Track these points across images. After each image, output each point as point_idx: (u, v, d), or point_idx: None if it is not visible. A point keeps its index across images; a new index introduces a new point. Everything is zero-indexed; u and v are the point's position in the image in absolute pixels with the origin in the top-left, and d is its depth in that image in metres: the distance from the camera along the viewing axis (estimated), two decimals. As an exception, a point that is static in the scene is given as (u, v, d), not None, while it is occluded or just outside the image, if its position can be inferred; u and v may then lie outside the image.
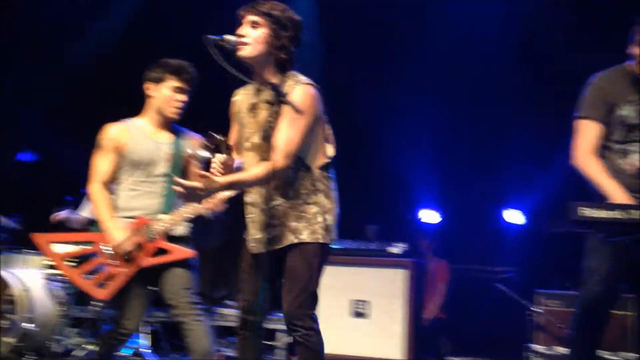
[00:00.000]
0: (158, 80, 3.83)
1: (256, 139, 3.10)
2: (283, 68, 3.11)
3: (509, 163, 7.10)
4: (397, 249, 5.25)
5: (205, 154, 2.98)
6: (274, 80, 3.05)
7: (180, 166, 3.84)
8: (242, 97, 3.24)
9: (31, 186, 7.43)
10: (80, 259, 3.88)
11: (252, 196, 3.14)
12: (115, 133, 3.83)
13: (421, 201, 7.47)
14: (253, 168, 3.05)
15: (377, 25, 7.13)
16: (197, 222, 3.88)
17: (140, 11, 7.31)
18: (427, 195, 7.42)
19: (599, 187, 3.28)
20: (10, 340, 5.13)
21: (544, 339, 5.43)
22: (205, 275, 5.51)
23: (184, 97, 3.84)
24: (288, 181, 3.06)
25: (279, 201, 3.07)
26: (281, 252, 3.08)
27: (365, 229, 6.92)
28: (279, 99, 2.86)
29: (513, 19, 6.77)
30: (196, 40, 2.98)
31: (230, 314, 5.85)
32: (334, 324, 5.10)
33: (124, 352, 4.86)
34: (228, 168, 2.97)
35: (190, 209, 3.77)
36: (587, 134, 3.38)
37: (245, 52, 3.02)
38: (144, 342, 5.17)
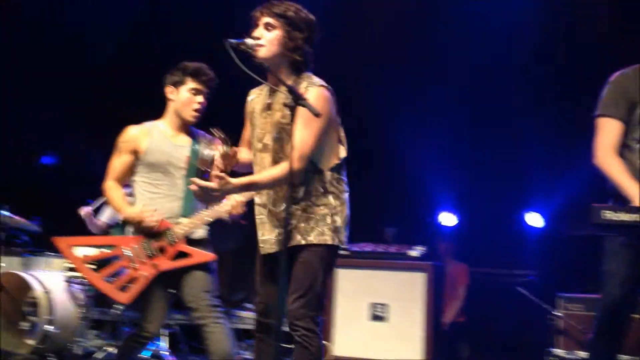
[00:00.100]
0: (177, 84, 3.85)
1: (268, 139, 3.10)
2: (298, 69, 3.11)
3: (530, 165, 7.05)
4: (416, 252, 5.22)
5: (209, 152, 2.99)
6: (288, 81, 3.05)
7: (198, 169, 3.85)
8: (256, 97, 3.24)
9: (53, 189, 7.52)
10: (101, 262, 3.90)
11: (262, 197, 3.14)
12: (134, 134, 3.86)
13: (441, 204, 7.44)
14: (268, 170, 3.05)
15: (398, 26, 7.12)
16: (216, 225, 3.90)
17: (161, 13, 7.35)
18: (447, 198, 7.39)
19: (619, 188, 3.24)
20: (31, 342, 5.18)
21: (566, 343, 5.38)
22: (223, 278, 5.51)
23: (202, 99, 3.85)
24: (297, 183, 3.05)
25: (286, 204, 3.05)
26: (290, 252, 3.06)
27: (384, 231, 6.89)
28: (297, 101, 2.85)
29: (532, 20, 6.72)
30: (214, 42, 3.00)
31: (248, 317, 5.86)
32: (353, 327, 5.09)
33: (143, 354, 4.88)
34: (229, 160, 2.98)
35: (210, 212, 3.78)
36: (608, 132, 3.34)
37: (259, 53, 3.03)
38: (162, 344, 5.19)
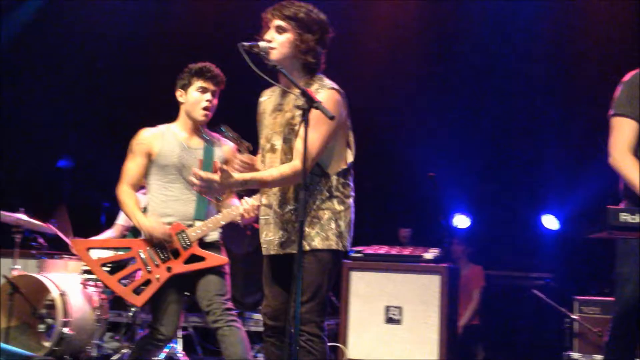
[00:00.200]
0: (185, 86, 3.89)
1: (277, 140, 3.10)
2: (310, 71, 3.11)
3: (545, 168, 7.02)
4: (430, 254, 5.20)
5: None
6: (300, 83, 3.04)
7: (211, 171, 3.86)
8: (268, 98, 3.24)
9: (70, 193, 7.57)
10: (116, 265, 3.92)
11: (269, 198, 3.14)
12: (147, 137, 3.88)
13: (455, 206, 7.41)
14: (272, 169, 3.05)
15: (411, 29, 7.11)
16: (230, 228, 3.91)
17: (172, 18, 7.40)
18: (462, 201, 7.36)
19: (634, 188, 3.21)
20: (47, 344, 5.21)
21: (582, 346, 5.34)
22: (237, 281, 5.53)
23: (210, 97, 3.86)
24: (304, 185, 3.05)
25: (293, 205, 3.05)
26: (294, 257, 3.06)
27: (399, 232, 6.88)
28: (310, 104, 2.84)
29: (549, 22, 6.69)
30: (228, 45, 3.01)
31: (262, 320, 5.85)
32: (367, 330, 5.08)
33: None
34: (249, 167, 3.00)
35: (224, 216, 3.80)
36: (623, 132, 3.31)
37: (271, 56, 3.04)
38: (176, 346, 5.20)
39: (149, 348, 3.86)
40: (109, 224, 5.59)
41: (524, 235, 7.31)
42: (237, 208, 3.75)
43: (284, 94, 3.13)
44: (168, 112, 4.03)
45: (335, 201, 3.07)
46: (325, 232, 3.03)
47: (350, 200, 3.14)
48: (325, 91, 3.03)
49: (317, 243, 3.01)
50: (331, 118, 2.84)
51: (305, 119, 2.82)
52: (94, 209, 5.99)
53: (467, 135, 7.21)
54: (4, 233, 5.62)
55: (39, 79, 7.40)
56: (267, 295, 3.19)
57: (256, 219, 3.74)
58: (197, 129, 3.92)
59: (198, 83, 3.85)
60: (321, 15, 3.14)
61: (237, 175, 2.93)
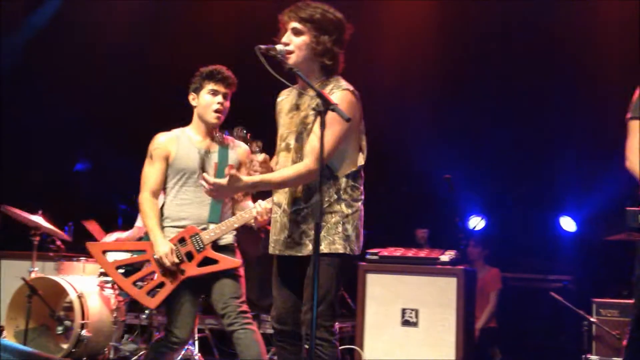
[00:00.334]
0: (197, 89, 3.90)
1: (291, 139, 3.09)
2: (328, 72, 3.10)
3: (563, 169, 6.97)
4: (447, 257, 5.18)
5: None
6: (317, 84, 3.03)
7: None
8: (285, 98, 3.25)
9: (88, 195, 7.63)
10: (132, 267, 3.94)
11: (279, 196, 3.13)
12: (163, 142, 3.89)
13: (472, 208, 7.38)
14: (282, 169, 3.04)
15: (427, 29, 7.10)
16: (244, 230, 3.91)
17: (182, 22, 7.45)
18: (478, 203, 7.32)
19: None
20: (65, 346, 5.25)
21: (600, 349, 5.29)
22: (252, 283, 5.54)
23: (221, 99, 3.87)
24: (312, 186, 3.02)
25: (301, 205, 3.05)
26: (301, 260, 3.06)
27: (416, 233, 6.85)
28: (327, 106, 2.83)
29: (566, 23, 6.65)
30: (244, 49, 3.02)
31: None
32: (383, 332, 5.07)
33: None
34: (264, 166, 3.00)
35: (238, 219, 3.80)
36: (639, 135, 3.27)
37: (290, 61, 3.04)
38: (193, 348, 5.22)
39: (164, 351, 3.87)
40: (126, 226, 5.62)
41: (542, 237, 7.25)
42: (251, 211, 3.76)
43: (301, 94, 3.13)
44: (183, 115, 4.05)
45: (343, 204, 3.05)
46: (331, 236, 3.01)
47: (359, 204, 3.11)
48: (340, 92, 3.02)
49: (324, 247, 2.99)
50: (347, 120, 2.83)
51: (321, 122, 2.81)
52: (111, 211, 6.03)
53: (484, 136, 7.18)
54: (22, 235, 5.67)
55: (56, 83, 7.46)
56: (275, 299, 3.19)
57: (270, 222, 3.74)
58: (211, 132, 3.93)
59: (209, 86, 3.86)
60: (338, 14, 3.12)
61: (246, 179, 2.93)
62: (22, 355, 3.86)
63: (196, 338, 5.29)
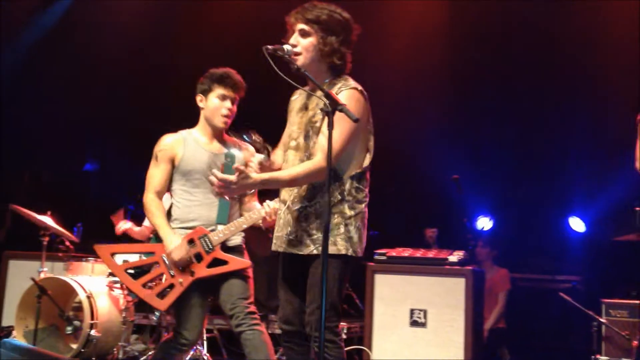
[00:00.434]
0: (205, 92, 3.89)
1: (301, 138, 3.10)
2: (336, 72, 3.10)
3: (572, 170, 6.95)
4: (455, 257, 5.17)
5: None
6: (325, 84, 3.04)
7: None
8: (298, 97, 3.26)
9: (96, 195, 7.66)
10: (141, 269, 3.93)
11: (284, 194, 3.14)
12: (169, 143, 3.89)
13: (480, 209, 7.36)
14: (291, 167, 3.04)
15: (436, 29, 7.09)
16: (253, 230, 3.91)
17: (196, 23, 7.46)
18: (487, 203, 7.31)
19: None
20: (74, 346, 5.26)
21: (610, 350, 5.27)
22: (260, 284, 5.54)
23: (229, 105, 3.87)
24: (317, 185, 3.03)
25: (305, 204, 3.05)
26: (304, 260, 3.06)
27: (425, 232, 6.83)
28: (335, 107, 2.83)
29: (573, 23, 6.63)
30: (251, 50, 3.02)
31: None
32: (392, 333, 5.06)
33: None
34: (265, 169, 3.01)
35: (246, 219, 3.81)
36: None
37: (298, 62, 3.04)
38: (202, 348, 5.23)
39: (172, 352, 3.87)
40: (136, 224, 5.63)
41: (551, 237, 7.24)
42: (259, 211, 3.76)
43: (310, 95, 3.13)
44: (189, 116, 4.05)
45: (346, 205, 3.04)
46: (333, 237, 3.01)
47: (363, 206, 3.11)
48: (348, 90, 3.03)
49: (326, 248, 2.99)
50: (355, 121, 2.83)
51: (329, 122, 2.82)
52: (119, 209, 6.03)
53: (493, 136, 7.17)
54: (31, 236, 5.69)
55: (65, 84, 7.50)
56: (281, 299, 3.20)
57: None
58: (218, 133, 3.93)
59: (219, 90, 3.86)
60: (345, 15, 3.13)
61: (255, 176, 2.93)
62: (30, 355, 3.87)
63: (205, 338, 5.30)
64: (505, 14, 6.76)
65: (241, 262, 3.81)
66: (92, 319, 5.18)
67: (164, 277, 3.80)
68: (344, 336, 5.56)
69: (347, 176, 3.06)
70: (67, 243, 5.75)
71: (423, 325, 5.04)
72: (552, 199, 7.17)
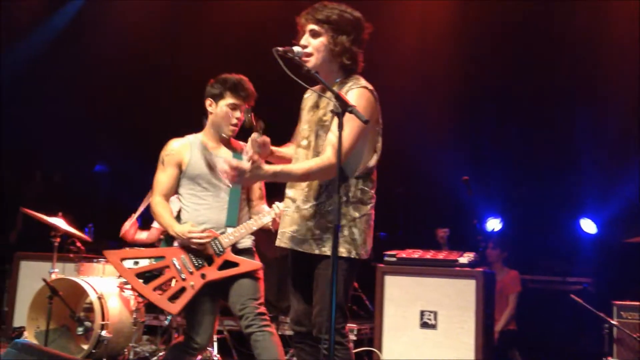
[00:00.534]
0: (216, 97, 3.87)
1: (311, 136, 3.10)
2: (348, 71, 3.10)
3: (583, 171, 6.92)
4: (465, 259, 5.16)
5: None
6: (336, 84, 3.04)
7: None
8: (309, 96, 3.26)
9: (106, 197, 7.69)
10: (151, 274, 3.93)
11: (294, 192, 3.12)
12: (176, 148, 3.89)
13: (491, 210, 7.34)
14: (304, 162, 3.04)
15: (442, 30, 7.08)
16: (262, 232, 3.92)
17: (204, 27, 7.49)
18: (497, 204, 7.29)
19: None
20: (85, 347, 5.28)
21: (621, 352, 5.24)
22: (271, 285, 5.54)
23: (239, 114, 3.86)
24: (322, 185, 3.03)
25: (312, 203, 3.04)
26: (307, 259, 3.05)
27: (436, 233, 6.82)
28: (345, 108, 2.83)
29: (577, 23, 6.61)
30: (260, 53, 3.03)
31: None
32: (402, 334, 5.05)
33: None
34: (258, 147, 2.97)
35: (255, 222, 3.81)
36: None
37: (309, 64, 3.04)
38: (212, 349, 5.24)
39: (183, 355, 3.87)
40: (144, 227, 5.65)
41: (562, 239, 7.21)
42: (270, 212, 3.77)
43: (320, 95, 3.14)
44: (197, 120, 4.05)
45: (351, 207, 3.04)
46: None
47: (369, 208, 3.09)
48: (358, 89, 3.03)
49: (328, 249, 2.99)
50: (365, 122, 2.83)
51: (339, 123, 2.81)
52: (130, 213, 6.04)
53: (504, 137, 7.15)
54: (43, 237, 5.72)
55: (75, 86, 7.54)
56: (292, 301, 3.21)
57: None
58: (224, 139, 3.92)
59: (230, 99, 3.84)
60: (355, 14, 3.12)
61: (267, 167, 2.91)
62: (41, 356, 3.88)
63: (215, 339, 5.31)
64: (520, 13, 6.73)
65: (252, 263, 3.81)
66: (103, 319, 5.20)
67: (175, 280, 3.80)
68: (354, 337, 5.61)
69: (352, 176, 3.06)
70: (78, 244, 5.77)
71: (433, 327, 5.03)
72: (564, 201, 7.14)
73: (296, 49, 3.05)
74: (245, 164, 2.87)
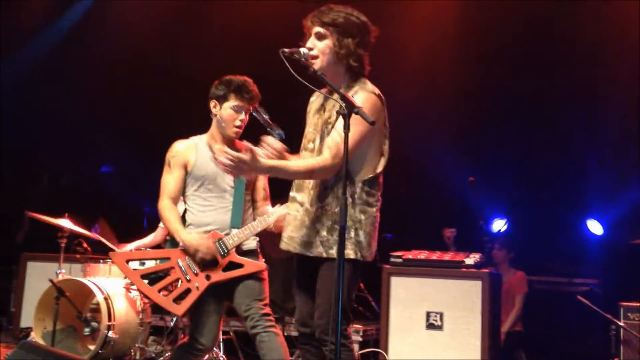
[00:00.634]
0: (220, 99, 3.87)
1: (317, 140, 3.10)
2: (354, 74, 3.10)
3: (590, 172, 6.90)
4: (471, 260, 5.15)
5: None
6: (342, 87, 3.04)
7: (245, 180, 3.87)
8: (316, 99, 3.26)
9: (112, 198, 7.71)
10: (157, 275, 3.93)
11: (302, 195, 3.11)
12: (181, 149, 3.90)
13: (497, 211, 7.33)
14: (300, 160, 3.04)
15: (449, 30, 7.07)
16: (266, 233, 3.92)
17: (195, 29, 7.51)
18: (503, 205, 7.27)
19: None
20: (92, 347, 5.30)
21: (628, 353, 5.22)
22: (276, 286, 5.56)
23: (243, 116, 3.86)
24: (328, 186, 3.02)
25: (318, 204, 3.04)
26: (313, 261, 3.06)
27: (443, 233, 6.81)
28: (351, 109, 2.83)
29: (582, 23, 6.59)
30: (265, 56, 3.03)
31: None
32: (408, 335, 5.05)
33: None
34: (279, 156, 2.96)
35: (260, 223, 3.82)
36: None
37: (315, 66, 3.05)
38: (217, 350, 5.25)
39: (188, 357, 3.87)
40: (150, 228, 5.67)
41: (568, 240, 7.19)
42: (273, 214, 3.77)
43: (327, 97, 3.14)
44: (198, 120, 4.05)
45: (357, 209, 3.03)
46: None
47: (374, 210, 3.09)
48: (365, 93, 3.03)
49: (334, 252, 2.98)
50: (371, 124, 2.83)
51: (345, 125, 2.81)
52: (136, 213, 6.09)
53: (510, 138, 7.13)
54: (49, 237, 5.74)
55: (77, 88, 7.56)
56: (297, 302, 3.21)
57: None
58: (229, 140, 3.92)
59: (234, 101, 3.84)
60: (362, 17, 3.13)
61: (264, 161, 2.90)
62: (48, 356, 3.90)
63: (221, 340, 5.32)
64: (524, 14, 6.72)
65: (257, 264, 3.82)
66: (110, 320, 5.21)
67: (180, 282, 3.80)
68: (360, 338, 5.60)
69: (359, 179, 3.05)
70: (85, 245, 5.79)
71: (439, 328, 5.02)
72: (570, 202, 7.12)
73: (302, 50, 3.05)
74: (243, 156, 2.86)
